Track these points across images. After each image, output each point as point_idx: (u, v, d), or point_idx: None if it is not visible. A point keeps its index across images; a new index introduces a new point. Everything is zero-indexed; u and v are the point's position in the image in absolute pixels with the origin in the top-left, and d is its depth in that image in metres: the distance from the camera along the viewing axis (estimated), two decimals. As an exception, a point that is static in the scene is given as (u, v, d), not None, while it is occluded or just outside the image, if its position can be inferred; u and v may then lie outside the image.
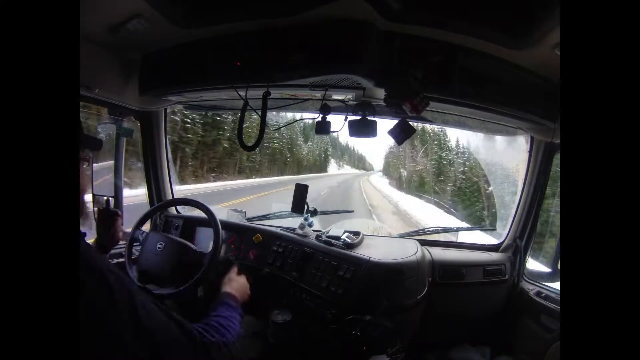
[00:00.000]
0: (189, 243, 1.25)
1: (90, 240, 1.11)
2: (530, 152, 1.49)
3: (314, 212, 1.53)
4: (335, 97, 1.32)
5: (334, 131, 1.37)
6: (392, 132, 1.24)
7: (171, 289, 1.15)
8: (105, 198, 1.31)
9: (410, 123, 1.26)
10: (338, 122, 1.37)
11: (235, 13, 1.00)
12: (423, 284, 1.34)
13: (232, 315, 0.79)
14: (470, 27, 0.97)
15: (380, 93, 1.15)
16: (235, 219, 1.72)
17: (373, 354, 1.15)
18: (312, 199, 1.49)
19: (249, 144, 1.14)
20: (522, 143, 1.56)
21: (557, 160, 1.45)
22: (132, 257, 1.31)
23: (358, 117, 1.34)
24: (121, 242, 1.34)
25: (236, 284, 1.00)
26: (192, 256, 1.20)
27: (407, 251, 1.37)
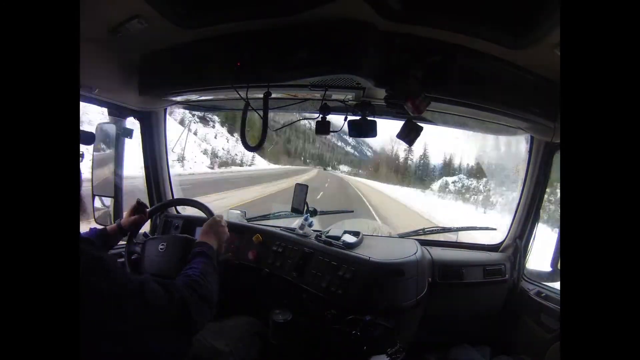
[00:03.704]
0: (189, 236, 1.26)
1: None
2: (530, 152, 1.49)
3: (314, 212, 1.54)
4: (335, 97, 1.32)
5: (333, 131, 1.37)
6: (401, 134, 1.23)
7: None
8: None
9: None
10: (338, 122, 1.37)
11: (236, 13, 1.00)
12: (423, 284, 1.34)
13: (196, 261, 0.87)
14: (470, 27, 0.97)
15: (380, 93, 1.15)
16: (235, 218, 1.72)
17: (373, 354, 1.15)
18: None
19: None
20: (521, 143, 1.56)
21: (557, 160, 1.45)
22: (133, 258, 1.30)
23: (358, 117, 1.34)
24: (121, 242, 1.34)
25: (211, 229, 1.07)
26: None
27: (407, 251, 1.37)
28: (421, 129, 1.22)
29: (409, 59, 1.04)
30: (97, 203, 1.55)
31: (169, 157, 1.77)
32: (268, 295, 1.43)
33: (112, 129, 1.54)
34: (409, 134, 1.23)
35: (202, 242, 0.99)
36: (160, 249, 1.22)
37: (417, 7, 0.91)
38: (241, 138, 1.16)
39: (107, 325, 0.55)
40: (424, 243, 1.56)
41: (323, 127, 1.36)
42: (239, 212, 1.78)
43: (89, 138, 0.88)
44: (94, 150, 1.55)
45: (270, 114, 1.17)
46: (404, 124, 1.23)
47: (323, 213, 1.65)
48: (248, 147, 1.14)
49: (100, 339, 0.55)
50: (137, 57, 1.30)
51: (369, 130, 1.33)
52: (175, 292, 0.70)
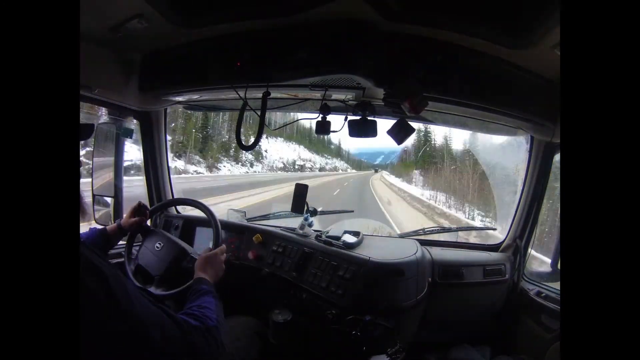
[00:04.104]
0: (187, 247, 1.25)
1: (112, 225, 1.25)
2: (530, 152, 1.49)
3: (314, 212, 1.53)
4: (335, 97, 1.32)
5: (333, 131, 1.37)
6: (391, 132, 1.23)
7: (164, 290, 1.15)
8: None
9: (410, 123, 1.25)
10: (338, 122, 1.37)
11: (236, 13, 1.01)
12: (423, 284, 1.34)
13: (207, 300, 0.83)
14: (470, 27, 0.97)
15: (380, 93, 1.15)
16: (235, 219, 1.72)
17: (373, 354, 1.15)
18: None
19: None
20: (522, 143, 1.56)
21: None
22: (132, 257, 1.31)
23: (358, 117, 1.34)
24: (121, 243, 1.34)
25: (209, 265, 1.01)
26: (187, 261, 1.19)
27: (407, 251, 1.37)
28: (413, 129, 1.22)
29: (409, 59, 1.04)
30: (97, 203, 1.55)
31: (169, 157, 1.77)
32: (268, 295, 1.43)
33: (112, 129, 1.54)
34: (399, 133, 1.22)
35: (205, 280, 0.93)
36: (157, 247, 1.23)
37: (417, 7, 0.91)
38: (236, 137, 1.16)
39: (106, 325, 0.55)
40: (424, 243, 1.56)
41: (323, 127, 1.36)
42: (239, 212, 1.78)
43: (88, 130, 0.87)
44: (94, 151, 1.55)
45: (273, 115, 1.17)
46: (396, 122, 1.22)
47: (323, 213, 1.65)
48: (243, 147, 1.14)
49: (100, 339, 0.55)
50: (137, 57, 1.30)
51: (369, 130, 1.33)
52: (189, 333, 0.67)
